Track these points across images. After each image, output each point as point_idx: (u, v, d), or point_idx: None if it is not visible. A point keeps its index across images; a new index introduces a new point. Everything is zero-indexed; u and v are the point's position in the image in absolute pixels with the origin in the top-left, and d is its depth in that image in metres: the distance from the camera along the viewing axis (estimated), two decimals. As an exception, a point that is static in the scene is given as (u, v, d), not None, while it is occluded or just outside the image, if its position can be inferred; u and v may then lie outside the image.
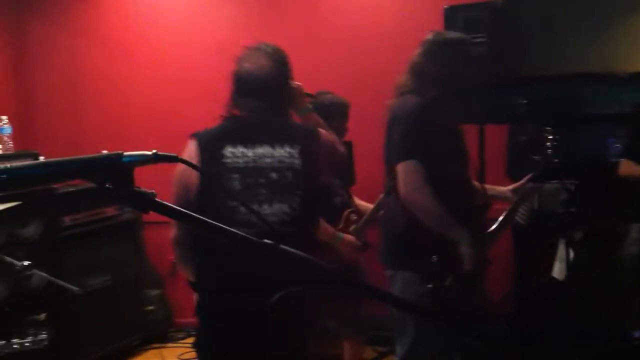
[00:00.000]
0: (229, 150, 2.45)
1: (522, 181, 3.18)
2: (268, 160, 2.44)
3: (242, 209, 2.34)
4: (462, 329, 1.21)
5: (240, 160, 2.43)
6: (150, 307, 5.10)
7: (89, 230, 4.58)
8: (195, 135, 2.60)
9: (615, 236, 4.27)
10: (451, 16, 4.21)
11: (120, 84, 5.51)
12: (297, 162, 2.45)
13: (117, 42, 5.50)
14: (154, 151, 1.19)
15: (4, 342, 2.91)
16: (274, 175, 2.43)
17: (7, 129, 4.02)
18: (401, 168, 2.70)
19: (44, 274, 3.39)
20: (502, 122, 4.11)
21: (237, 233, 1.21)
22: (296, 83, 2.71)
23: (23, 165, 1.14)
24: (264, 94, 2.52)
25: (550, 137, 3.36)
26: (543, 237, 4.24)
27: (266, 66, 2.55)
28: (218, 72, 5.20)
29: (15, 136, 4.22)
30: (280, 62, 2.58)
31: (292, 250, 1.24)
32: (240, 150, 2.45)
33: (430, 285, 2.67)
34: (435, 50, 2.83)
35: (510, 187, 3.20)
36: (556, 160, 3.31)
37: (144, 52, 5.46)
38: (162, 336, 5.16)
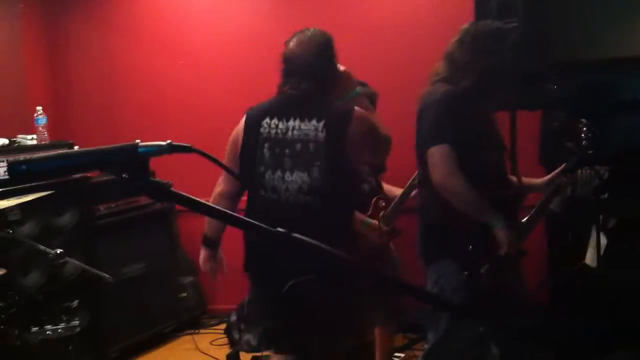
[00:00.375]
0: (265, 122, 2.74)
1: (555, 172, 3.12)
2: (296, 132, 2.66)
3: (268, 174, 2.66)
4: (494, 323, 1.20)
5: (272, 132, 2.70)
6: (184, 294, 5.18)
7: (123, 219, 4.65)
8: (247, 110, 2.94)
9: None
10: (483, 2, 4.15)
11: (154, 77, 5.57)
12: (321, 135, 2.61)
13: (150, 35, 5.56)
14: (169, 142, 1.20)
15: (37, 328, 2.97)
16: (298, 146, 2.65)
17: (42, 120, 4.09)
18: (433, 152, 2.69)
19: (77, 262, 3.46)
20: (535, 109, 4.04)
21: (250, 222, 1.23)
22: (343, 67, 2.87)
23: (42, 157, 1.17)
24: (306, 74, 2.70)
25: (584, 124, 3.30)
26: (576, 224, 4.19)
27: (308, 48, 2.72)
28: (250, 64, 5.34)
29: (50, 127, 4.30)
30: (323, 45, 2.75)
31: (306, 238, 1.24)
32: (274, 122, 2.71)
33: (466, 273, 2.65)
34: (470, 39, 2.81)
35: (544, 179, 3.16)
36: (590, 150, 3.25)
37: (177, 45, 5.50)
38: (195, 323, 5.24)
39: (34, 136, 4.08)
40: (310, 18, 5.19)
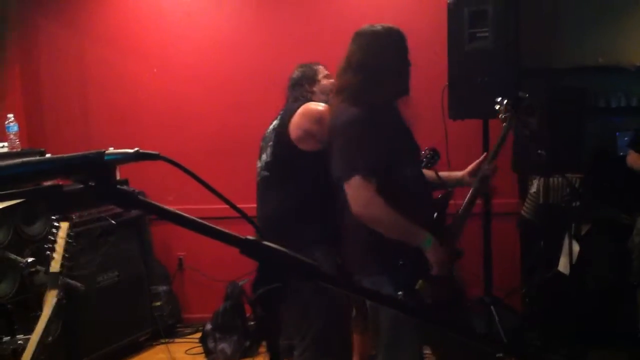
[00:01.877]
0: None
1: (477, 161, 3.01)
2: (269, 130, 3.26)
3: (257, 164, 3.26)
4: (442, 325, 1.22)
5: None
6: (158, 303, 5.13)
7: (95, 227, 4.60)
8: None
9: (622, 227, 4.26)
10: (455, 11, 4.20)
11: (128, 82, 5.54)
12: (277, 124, 3.18)
13: (124, 40, 5.53)
14: (136, 149, 1.20)
15: (9, 338, 2.93)
16: (267, 138, 3.24)
17: (14, 127, 4.05)
18: (347, 186, 2.62)
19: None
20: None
21: (219, 230, 1.22)
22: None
23: (7, 164, 1.16)
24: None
25: (554, 130, 3.32)
26: (549, 231, 4.24)
27: (296, 72, 3.46)
28: (227, 70, 5.33)
29: (22, 134, 4.26)
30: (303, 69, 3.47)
31: (276, 246, 1.24)
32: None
33: (400, 293, 2.59)
34: (362, 40, 2.78)
35: (467, 169, 3.01)
36: (559, 154, 3.27)
37: (150, 50, 5.49)
38: (169, 331, 5.20)
39: (5, 144, 4.04)
40: (289, 23, 5.23)
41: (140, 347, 4.96)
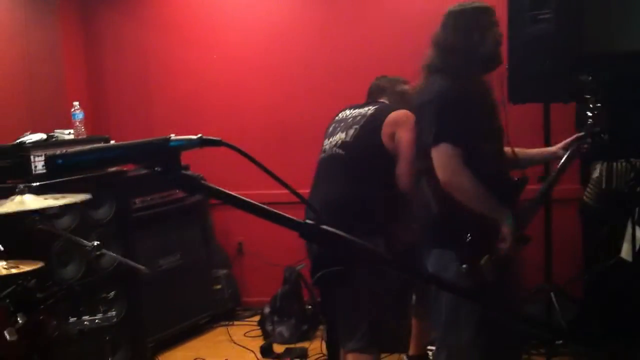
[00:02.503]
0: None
1: (571, 138, 3.01)
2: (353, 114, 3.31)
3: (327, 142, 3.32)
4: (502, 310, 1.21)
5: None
6: (218, 286, 5.24)
7: (158, 212, 4.73)
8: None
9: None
10: (516, -7, 4.12)
11: (188, 71, 5.64)
12: (369, 111, 3.25)
13: (185, 30, 5.63)
14: (200, 135, 1.23)
15: (75, 319, 3.05)
16: (349, 120, 3.28)
17: (79, 114, 4.16)
18: (435, 152, 2.64)
19: (114, 254, 3.54)
20: (568, 101, 3.99)
21: (279, 214, 1.24)
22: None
23: (77, 151, 1.21)
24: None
25: (617, 115, 3.22)
26: (611, 218, 4.14)
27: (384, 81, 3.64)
28: (283, 56, 5.36)
29: (87, 122, 4.38)
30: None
31: (335, 230, 1.26)
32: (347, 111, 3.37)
33: (464, 266, 2.61)
34: (453, 20, 2.78)
35: (560, 144, 3.03)
36: (622, 139, 3.18)
37: (210, 39, 5.57)
38: (229, 314, 5.31)
39: (72, 131, 4.16)
40: (347, 13, 5.23)
41: (200, 330, 5.07)
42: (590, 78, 3.45)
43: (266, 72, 5.43)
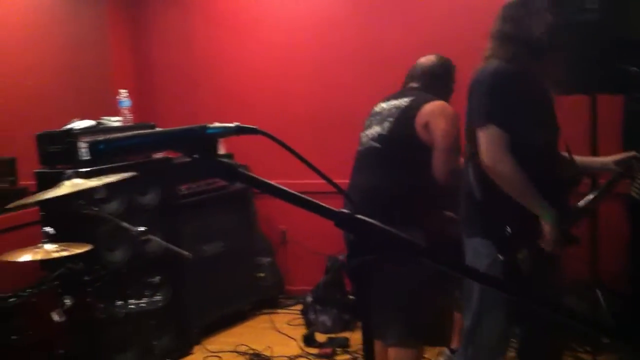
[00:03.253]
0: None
1: (627, 154, 2.95)
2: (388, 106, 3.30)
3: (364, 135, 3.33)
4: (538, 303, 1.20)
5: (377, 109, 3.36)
6: (261, 274, 5.29)
7: (203, 199, 4.80)
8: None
9: None
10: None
11: (233, 59, 5.69)
12: (404, 103, 3.22)
13: (230, 19, 5.67)
14: (236, 124, 1.25)
15: (122, 302, 3.13)
16: (385, 113, 3.27)
17: (126, 102, 4.24)
18: (481, 134, 2.60)
19: (160, 240, 3.60)
20: (616, 92, 3.88)
21: (313, 202, 1.26)
22: None
23: (117, 137, 1.24)
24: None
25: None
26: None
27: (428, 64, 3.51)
28: (327, 47, 5.36)
29: (134, 109, 4.46)
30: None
31: (371, 220, 1.26)
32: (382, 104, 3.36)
33: (501, 258, 2.57)
34: (511, 11, 2.73)
35: (614, 157, 2.93)
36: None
37: (256, 28, 5.60)
38: (272, 302, 5.36)
39: (119, 118, 4.24)
40: (386, 2, 5.19)
41: (244, 317, 5.13)
42: (637, 69, 3.36)
43: (310, 62, 5.44)
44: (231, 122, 1.26)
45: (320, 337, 4.66)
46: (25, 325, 2.51)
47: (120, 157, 3.49)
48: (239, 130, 1.24)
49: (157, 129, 1.26)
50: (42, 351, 2.59)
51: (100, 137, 1.23)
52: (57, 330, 2.67)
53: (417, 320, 3.16)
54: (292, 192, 1.31)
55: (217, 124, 1.24)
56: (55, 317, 2.70)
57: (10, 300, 2.58)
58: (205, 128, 1.22)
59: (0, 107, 4.78)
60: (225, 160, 1.25)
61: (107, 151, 1.24)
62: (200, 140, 1.22)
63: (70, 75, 5.27)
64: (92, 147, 1.23)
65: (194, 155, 1.23)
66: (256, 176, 1.29)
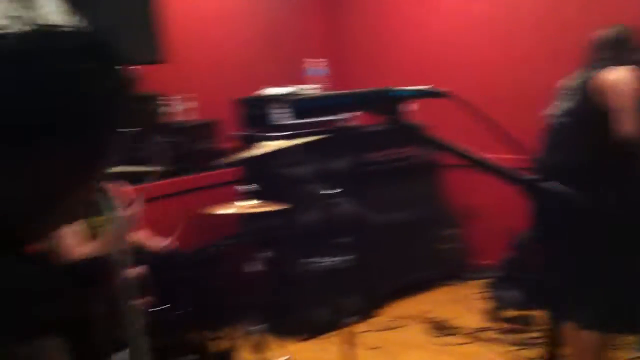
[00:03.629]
0: None
1: None
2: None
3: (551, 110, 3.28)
4: None
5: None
6: (446, 246, 5.28)
7: (392, 167, 4.87)
8: None
9: None
10: None
11: (423, 29, 5.68)
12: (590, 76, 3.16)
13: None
14: (419, 87, 1.28)
15: (312, 259, 3.29)
16: (572, 86, 3.23)
17: (321, 71, 4.40)
18: None
19: (348, 204, 3.74)
20: None
21: (499, 166, 1.24)
22: None
23: (310, 96, 1.33)
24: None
25: None
26: None
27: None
28: (522, 16, 5.16)
29: (329, 78, 4.60)
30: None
31: (560, 186, 1.24)
32: None
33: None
34: None
35: None
36: None
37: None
38: (456, 274, 5.33)
39: (316, 86, 4.41)
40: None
41: (426, 287, 5.16)
42: None
43: (501, 31, 5.27)
44: (454, 98, 1.28)
45: (505, 313, 4.57)
46: (223, 273, 2.73)
47: (315, 116, 3.66)
48: (423, 94, 1.27)
49: (346, 91, 1.32)
50: (237, 297, 2.81)
51: (291, 99, 1.33)
52: (251, 279, 2.88)
53: (608, 302, 3.00)
54: (475, 155, 1.31)
55: (400, 87, 1.28)
56: (251, 267, 2.91)
57: (212, 249, 2.82)
58: (389, 90, 1.27)
59: (204, 73, 5.13)
60: (408, 121, 1.28)
61: (299, 111, 1.33)
62: (385, 102, 1.27)
63: (265, 45, 5.54)
64: (288, 106, 1.33)
65: (380, 116, 1.28)
66: (439, 138, 1.31)
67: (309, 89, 4.44)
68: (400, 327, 4.52)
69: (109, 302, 1.30)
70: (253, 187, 3.39)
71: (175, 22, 4.74)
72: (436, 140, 1.30)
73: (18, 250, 0.98)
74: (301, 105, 1.28)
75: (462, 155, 1.31)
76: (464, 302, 4.86)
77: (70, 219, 1.09)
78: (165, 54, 4.58)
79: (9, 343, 0.83)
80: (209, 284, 2.72)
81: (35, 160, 0.96)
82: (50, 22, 1.02)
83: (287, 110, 3.90)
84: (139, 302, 1.40)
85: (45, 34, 1.00)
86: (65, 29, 1.01)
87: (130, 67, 1.04)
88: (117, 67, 1.03)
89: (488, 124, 1.27)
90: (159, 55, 4.63)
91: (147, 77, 4.67)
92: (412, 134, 1.29)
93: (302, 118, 3.70)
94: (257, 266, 2.94)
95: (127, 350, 1.44)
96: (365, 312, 4.61)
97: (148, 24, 4.44)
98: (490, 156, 1.20)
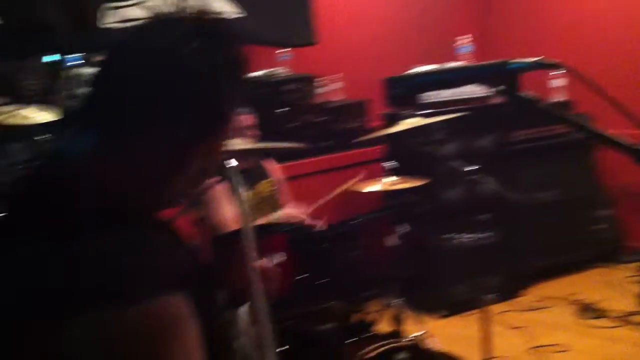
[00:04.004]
0: None
1: None
2: None
3: None
4: None
5: None
6: (598, 227, 5.10)
7: (539, 146, 4.77)
8: None
9: None
10: None
11: (577, 9, 5.51)
12: None
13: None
14: (539, 58, 1.32)
15: (451, 235, 3.34)
16: None
17: (467, 48, 4.39)
18: None
19: (491, 183, 3.73)
20: None
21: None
22: None
23: (429, 71, 1.41)
24: None
25: None
26: None
27: None
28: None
29: (476, 55, 4.58)
30: None
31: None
32: None
33: None
34: None
35: None
36: None
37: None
38: (609, 257, 5.14)
39: (461, 63, 4.41)
40: None
41: (576, 267, 5.01)
42: None
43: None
44: (569, 70, 1.32)
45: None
46: (363, 245, 2.85)
47: (435, 90, 3.68)
48: (539, 66, 1.31)
49: (464, 64, 1.39)
50: (377, 271, 2.92)
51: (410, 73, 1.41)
52: (390, 253, 2.98)
53: None
54: (597, 129, 1.33)
55: (518, 59, 1.33)
56: (390, 241, 3.00)
57: (353, 222, 2.95)
58: (506, 63, 1.32)
59: (353, 53, 5.25)
60: (523, 94, 1.32)
61: (420, 84, 1.42)
62: (501, 74, 1.33)
63: (414, 22, 5.57)
64: (408, 81, 1.42)
65: (496, 89, 1.34)
66: (555, 110, 1.35)
67: (454, 67, 4.45)
68: (545, 307, 4.45)
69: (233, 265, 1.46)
70: (395, 164, 3.49)
71: (323, 3, 4.92)
72: (553, 113, 1.34)
73: (147, 217, 1.13)
74: (420, 80, 1.37)
75: (580, 128, 1.34)
76: (615, 285, 4.69)
77: (190, 189, 1.22)
78: (317, 35, 4.78)
79: (159, 295, 0.96)
80: (350, 257, 2.84)
81: (155, 138, 1.08)
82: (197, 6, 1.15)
83: (429, 88, 3.96)
84: (260, 263, 1.54)
85: (160, 21, 1.14)
86: (176, 13, 1.14)
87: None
88: (227, 46, 1.14)
89: (606, 98, 1.28)
90: (312, 38, 4.84)
91: (300, 59, 4.91)
92: (529, 107, 1.33)
93: (422, 92, 3.75)
94: (398, 241, 3.03)
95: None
96: (509, 291, 4.58)
97: (304, 8, 4.66)
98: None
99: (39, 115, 3.86)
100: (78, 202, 1.03)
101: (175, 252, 1.09)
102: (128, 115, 1.08)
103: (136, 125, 1.08)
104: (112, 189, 1.07)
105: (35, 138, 3.81)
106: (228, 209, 2.89)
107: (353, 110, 4.95)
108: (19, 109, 3.79)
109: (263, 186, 3.33)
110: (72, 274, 0.94)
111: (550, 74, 4.75)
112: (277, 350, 1.62)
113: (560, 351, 3.80)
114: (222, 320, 1.28)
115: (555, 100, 4.73)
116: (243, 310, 1.55)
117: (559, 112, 1.31)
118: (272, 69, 4.68)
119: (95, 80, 1.15)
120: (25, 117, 3.78)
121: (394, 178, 3.46)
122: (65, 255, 0.95)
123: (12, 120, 3.78)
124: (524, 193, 4.57)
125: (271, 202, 3.36)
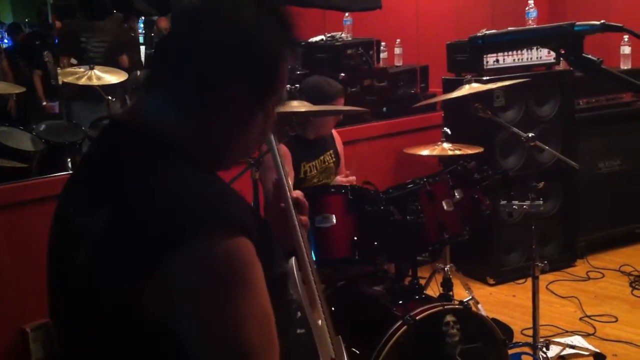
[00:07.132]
0: None
1: None
2: None
3: None
4: None
5: None
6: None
7: (603, 115, 4.68)
8: None
9: None
10: None
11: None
12: None
13: None
14: (602, 21, 1.32)
15: (505, 202, 3.32)
16: None
17: (533, 13, 4.31)
18: None
19: (552, 150, 3.68)
20: None
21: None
22: None
23: (493, 33, 1.42)
24: None
25: None
26: None
27: None
28: None
29: (543, 20, 4.48)
30: None
31: None
32: None
33: None
34: None
35: None
36: None
37: None
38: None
39: (526, 28, 4.33)
40: None
41: (635, 238, 4.93)
42: None
43: None
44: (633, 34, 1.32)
45: None
46: (419, 209, 2.87)
47: (498, 51, 3.63)
48: (604, 28, 1.31)
49: (530, 27, 1.40)
50: (431, 233, 2.94)
51: (478, 34, 1.42)
52: (445, 217, 2.99)
53: None
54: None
55: (584, 22, 1.32)
56: (445, 205, 3.01)
57: (409, 186, 2.97)
58: (572, 25, 1.32)
59: (418, 19, 5.23)
60: (589, 55, 1.32)
61: (484, 46, 1.42)
62: (567, 36, 1.33)
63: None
64: (472, 42, 1.43)
65: (561, 51, 1.34)
66: (621, 75, 1.34)
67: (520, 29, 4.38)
68: (598, 278, 4.41)
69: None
70: (448, 130, 3.49)
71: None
72: (617, 76, 1.33)
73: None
74: (483, 41, 1.37)
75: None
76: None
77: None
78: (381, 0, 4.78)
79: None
80: (405, 221, 2.87)
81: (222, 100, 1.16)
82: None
83: (494, 49, 3.91)
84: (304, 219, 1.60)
85: None
86: None
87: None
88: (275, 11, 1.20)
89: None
90: (378, 1, 4.83)
91: (362, 23, 4.92)
92: (594, 70, 1.33)
93: (486, 54, 3.70)
94: (453, 206, 3.04)
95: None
96: (564, 261, 4.56)
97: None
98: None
99: (109, 76, 4.00)
100: (167, 157, 1.13)
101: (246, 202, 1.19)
102: (200, 75, 1.15)
103: (209, 85, 1.15)
104: (192, 148, 1.17)
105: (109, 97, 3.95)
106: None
107: (413, 75, 4.94)
108: (91, 69, 3.94)
109: (328, 157, 3.40)
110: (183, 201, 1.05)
111: (620, 43, 4.63)
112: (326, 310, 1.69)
113: (609, 322, 3.78)
114: (280, 271, 1.34)
115: (624, 67, 4.62)
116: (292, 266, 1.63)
117: (625, 77, 1.30)
118: (333, 33, 4.70)
119: (168, 45, 1.25)
120: (98, 78, 3.92)
121: (450, 144, 3.47)
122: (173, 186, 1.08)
123: (85, 81, 3.94)
124: (586, 162, 4.50)
125: (334, 172, 3.43)
